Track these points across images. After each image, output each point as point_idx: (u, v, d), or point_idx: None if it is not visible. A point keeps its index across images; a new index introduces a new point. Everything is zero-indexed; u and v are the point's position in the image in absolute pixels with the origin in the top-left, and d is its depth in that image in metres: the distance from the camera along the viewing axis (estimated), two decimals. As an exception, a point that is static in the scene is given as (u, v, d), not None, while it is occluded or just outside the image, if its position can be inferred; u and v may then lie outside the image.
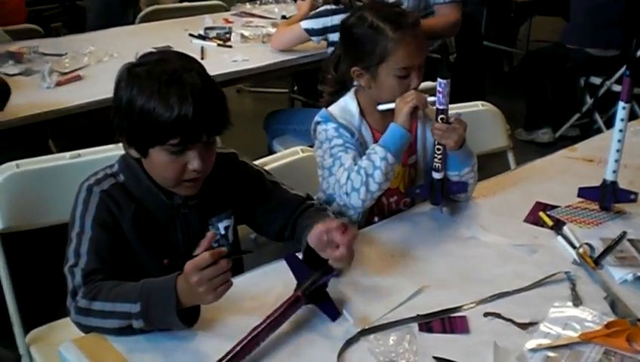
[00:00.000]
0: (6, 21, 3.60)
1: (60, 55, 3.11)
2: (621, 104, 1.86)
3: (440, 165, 1.87)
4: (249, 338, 1.39)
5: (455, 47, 3.81)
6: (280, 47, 3.34)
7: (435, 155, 1.87)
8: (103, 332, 1.46)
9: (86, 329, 1.49)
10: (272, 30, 3.49)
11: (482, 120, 2.61)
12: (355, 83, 1.94)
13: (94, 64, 3.04)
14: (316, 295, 1.52)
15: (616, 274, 1.68)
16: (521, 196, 2.05)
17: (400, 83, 1.84)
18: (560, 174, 2.20)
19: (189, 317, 1.44)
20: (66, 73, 2.90)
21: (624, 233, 1.84)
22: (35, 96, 2.71)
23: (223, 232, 1.72)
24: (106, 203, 1.60)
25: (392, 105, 1.84)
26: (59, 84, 2.79)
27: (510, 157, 2.67)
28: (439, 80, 1.78)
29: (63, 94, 2.74)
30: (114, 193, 1.62)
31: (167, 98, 1.49)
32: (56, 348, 1.48)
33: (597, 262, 1.73)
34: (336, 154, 1.86)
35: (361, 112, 1.93)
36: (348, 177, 1.80)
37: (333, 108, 1.93)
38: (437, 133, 1.83)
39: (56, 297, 1.70)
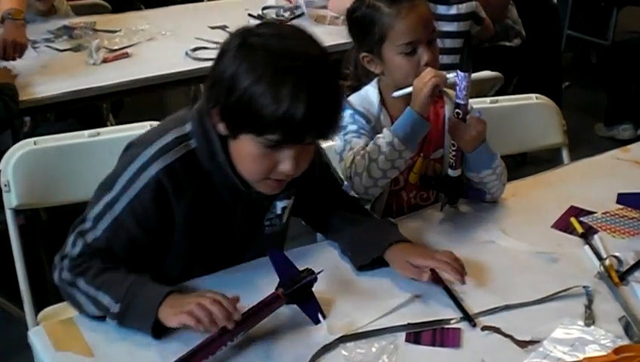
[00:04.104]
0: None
1: (114, 32, 3.10)
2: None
3: (454, 162, 1.73)
4: (215, 336, 1.31)
5: (526, 34, 3.64)
6: (338, 12, 3.27)
7: (450, 150, 1.74)
8: (81, 308, 1.43)
9: (68, 298, 1.45)
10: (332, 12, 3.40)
11: (535, 114, 2.45)
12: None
13: (145, 42, 3.02)
14: (299, 295, 1.42)
15: (642, 292, 1.52)
16: (556, 199, 1.89)
17: (408, 60, 1.71)
18: (605, 177, 2.02)
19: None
20: (115, 50, 2.89)
21: (661, 246, 1.67)
22: (79, 72, 2.70)
23: (279, 212, 1.61)
24: (162, 184, 1.42)
25: (408, 90, 1.71)
26: (105, 60, 2.78)
27: (565, 154, 2.48)
28: (458, 72, 1.64)
29: (107, 71, 2.72)
30: (179, 168, 1.43)
31: (278, 88, 1.29)
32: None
33: (623, 277, 1.57)
34: (349, 140, 1.77)
35: (383, 101, 1.82)
36: (352, 160, 1.71)
37: (353, 97, 1.84)
38: (448, 129, 1.70)
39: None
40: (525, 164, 3.84)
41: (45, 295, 2.64)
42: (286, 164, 1.37)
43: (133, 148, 1.48)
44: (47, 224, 3.40)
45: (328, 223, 1.70)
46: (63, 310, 1.89)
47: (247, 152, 1.38)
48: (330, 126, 1.39)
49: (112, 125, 3.61)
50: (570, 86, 5.08)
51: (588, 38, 5.38)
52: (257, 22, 3.33)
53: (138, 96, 3.68)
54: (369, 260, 1.57)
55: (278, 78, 1.29)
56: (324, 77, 1.35)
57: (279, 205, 1.60)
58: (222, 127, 1.40)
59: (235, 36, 1.37)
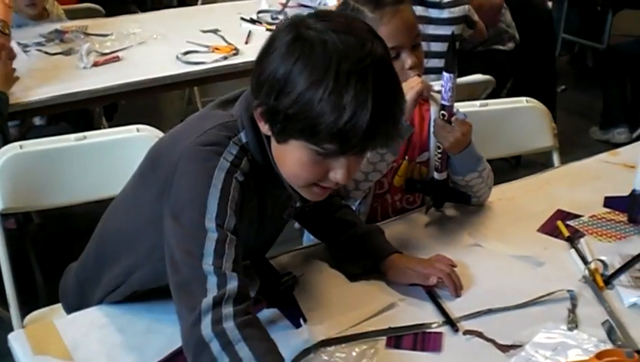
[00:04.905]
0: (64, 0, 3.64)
1: (105, 35, 3.10)
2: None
3: (439, 164, 1.72)
4: (195, 340, 1.31)
5: (520, 38, 3.63)
6: None
7: (436, 153, 1.73)
8: None
9: (199, 354, 1.14)
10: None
11: (526, 117, 2.43)
12: None
13: (136, 45, 3.02)
14: (280, 298, 1.42)
15: (626, 296, 1.50)
16: (543, 202, 1.88)
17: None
18: (593, 180, 2.01)
19: None
20: (106, 54, 2.89)
21: (647, 250, 1.66)
22: (69, 76, 2.69)
23: (298, 205, 1.51)
24: (244, 191, 1.27)
25: None
26: (96, 64, 2.78)
27: (555, 158, 2.47)
28: (444, 73, 1.63)
29: (97, 75, 2.71)
30: (250, 175, 1.29)
31: (340, 94, 1.13)
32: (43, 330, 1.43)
33: (608, 281, 1.55)
34: None
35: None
36: None
37: None
38: (433, 131, 1.70)
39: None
40: (519, 167, 3.84)
41: (35, 298, 2.64)
42: (338, 173, 1.23)
43: (196, 162, 1.26)
44: (39, 228, 3.40)
45: (320, 224, 1.68)
46: (50, 314, 1.90)
47: (294, 158, 1.24)
48: (394, 133, 1.24)
49: (105, 129, 3.61)
50: (566, 89, 5.08)
51: (583, 42, 5.38)
52: (248, 25, 3.37)
53: (132, 99, 3.70)
54: (361, 270, 1.57)
55: (340, 83, 1.13)
56: (389, 78, 1.21)
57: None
58: (266, 129, 1.26)
59: (286, 29, 1.20)
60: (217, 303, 1.15)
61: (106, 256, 1.50)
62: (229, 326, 1.13)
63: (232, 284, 1.17)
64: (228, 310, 1.15)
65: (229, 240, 1.21)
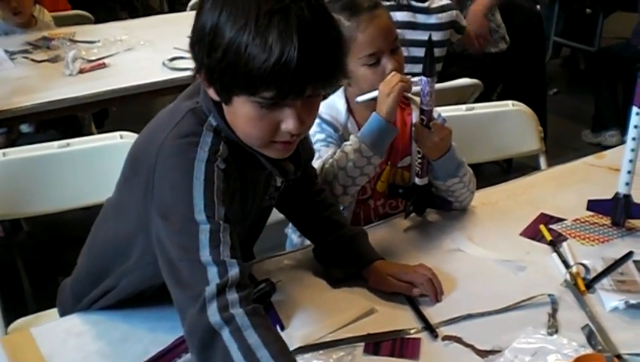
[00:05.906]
0: (53, 7, 3.64)
1: (92, 42, 3.10)
2: (635, 109, 1.68)
3: (420, 170, 1.71)
4: (171, 347, 1.31)
5: (510, 41, 3.63)
6: None
7: (416, 158, 1.72)
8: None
9: (211, 345, 1.13)
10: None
11: (512, 120, 2.43)
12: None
13: (123, 52, 3.02)
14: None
15: (608, 300, 1.49)
16: (527, 206, 1.87)
17: (373, 71, 1.69)
18: (578, 183, 2.00)
19: None
20: (92, 61, 2.89)
21: (630, 253, 1.64)
22: (55, 83, 2.70)
23: (279, 185, 1.53)
24: (228, 177, 1.28)
25: (373, 94, 1.68)
26: (82, 71, 2.78)
27: (542, 161, 2.46)
28: (422, 77, 1.62)
29: (83, 82, 2.72)
30: (230, 160, 1.29)
31: (265, 34, 1.14)
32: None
33: (590, 285, 1.54)
34: (317, 148, 1.74)
35: (350, 109, 1.80)
36: (321, 169, 1.69)
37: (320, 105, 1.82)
38: (413, 135, 1.69)
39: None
40: (511, 171, 3.84)
41: (24, 306, 2.63)
42: (289, 123, 1.23)
43: (175, 157, 1.26)
44: (28, 236, 3.39)
45: (307, 222, 1.67)
46: (34, 321, 1.89)
47: (243, 116, 1.24)
48: (330, 73, 1.23)
49: (93, 133, 3.60)
50: (557, 93, 5.08)
51: (574, 45, 5.38)
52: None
53: (123, 106, 3.69)
54: (344, 275, 1.56)
55: (264, 22, 1.14)
56: (316, 15, 1.19)
57: (279, 179, 1.51)
58: (212, 93, 1.26)
59: None
60: (221, 290, 1.15)
61: (98, 268, 1.49)
62: (238, 312, 1.14)
63: (234, 271, 1.18)
64: (233, 296, 1.15)
65: (222, 228, 1.21)
